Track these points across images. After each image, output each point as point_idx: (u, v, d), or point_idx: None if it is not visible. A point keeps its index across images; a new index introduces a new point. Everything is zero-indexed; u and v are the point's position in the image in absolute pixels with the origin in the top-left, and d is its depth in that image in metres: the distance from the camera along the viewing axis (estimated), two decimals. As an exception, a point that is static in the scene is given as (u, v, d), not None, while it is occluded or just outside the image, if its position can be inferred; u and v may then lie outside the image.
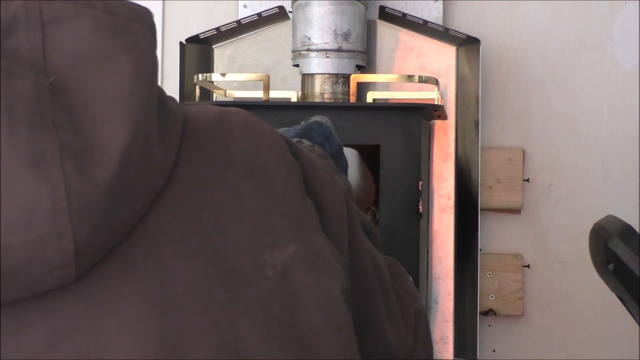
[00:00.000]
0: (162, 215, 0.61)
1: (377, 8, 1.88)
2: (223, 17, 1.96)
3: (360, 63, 1.75)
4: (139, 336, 0.57)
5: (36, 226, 0.54)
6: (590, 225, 1.45)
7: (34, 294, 0.56)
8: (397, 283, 0.85)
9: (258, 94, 1.83)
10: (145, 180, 0.59)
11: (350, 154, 1.21)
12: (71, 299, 0.57)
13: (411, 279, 0.92)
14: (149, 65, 0.61)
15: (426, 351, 0.86)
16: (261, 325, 0.61)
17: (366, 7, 1.78)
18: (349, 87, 1.72)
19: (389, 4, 1.89)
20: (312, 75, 1.74)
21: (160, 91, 0.63)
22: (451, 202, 1.89)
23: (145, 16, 0.62)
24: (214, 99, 1.86)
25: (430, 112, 1.75)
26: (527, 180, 1.99)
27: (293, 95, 1.81)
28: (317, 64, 1.73)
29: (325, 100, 1.72)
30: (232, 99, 1.86)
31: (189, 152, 0.64)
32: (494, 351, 1.99)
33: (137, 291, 0.58)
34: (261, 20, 1.89)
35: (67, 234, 0.54)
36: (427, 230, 1.86)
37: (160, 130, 0.61)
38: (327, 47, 1.72)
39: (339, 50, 1.72)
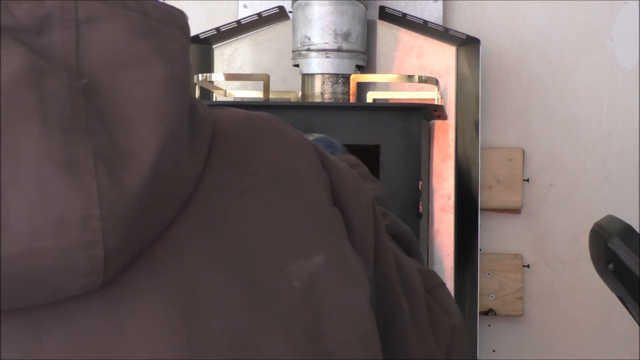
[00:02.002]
0: (188, 223, 0.60)
1: (377, 8, 1.88)
2: (223, 17, 1.96)
3: (360, 63, 1.75)
4: (161, 345, 0.56)
5: (66, 232, 0.52)
6: (590, 225, 1.44)
7: (57, 299, 0.55)
8: (433, 296, 0.83)
9: (258, 94, 1.83)
10: (174, 187, 0.58)
11: None
12: (94, 305, 0.56)
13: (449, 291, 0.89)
14: (182, 69, 0.59)
15: None
16: (285, 337, 0.59)
17: (366, 7, 1.78)
18: (349, 87, 1.72)
19: (389, 4, 1.89)
20: (312, 75, 1.74)
21: (191, 95, 0.61)
22: (451, 202, 1.89)
23: (178, 18, 0.61)
24: (214, 99, 1.86)
25: (430, 112, 1.75)
26: (527, 180, 1.99)
27: (293, 95, 1.81)
28: (317, 64, 1.73)
29: (325, 100, 1.72)
30: (232, 99, 1.86)
31: (216, 158, 0.63)
32: (494, 351, 1.99)
33: (161, 299, 0.57)
34: (261, 20, 1.89)
35: (98, 242, 0.53)
36: (427, 230, 1.86)
37: (190, 137, 0.60)
38: (327, 47, 1.72)
39: (339, 50, 1.72)
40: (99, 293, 0.55)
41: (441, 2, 1.93)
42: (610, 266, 1.35)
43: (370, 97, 1.79)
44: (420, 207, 1.64)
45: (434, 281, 0.86)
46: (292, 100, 1.80)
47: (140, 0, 0.59)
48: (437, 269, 1.88)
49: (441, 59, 1.90)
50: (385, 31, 1.91)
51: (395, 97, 1.85)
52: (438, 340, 0.80)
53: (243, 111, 0.69)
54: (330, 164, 0.70)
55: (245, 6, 1.96)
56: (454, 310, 0.85)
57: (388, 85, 1.88)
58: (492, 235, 1.99)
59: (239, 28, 1.89)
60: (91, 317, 0.55)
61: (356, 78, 1.72)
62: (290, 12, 1.85)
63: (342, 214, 0.69)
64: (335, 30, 1.72)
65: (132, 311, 0.56)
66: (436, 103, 1.74)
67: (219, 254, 0.60)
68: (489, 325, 1.99)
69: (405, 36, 1.91)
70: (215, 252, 0.60)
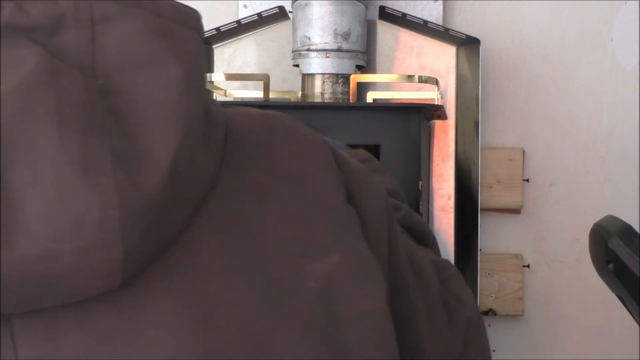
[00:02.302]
0: (203, 224, 0.59)
1: (377, 8, 1.88)
2: (223, 17, 1.96)
3: (360, 63, 1.75)
4: (176, 346, 0.56)
5: (85, 234, 0.52)
6: (590, 225, 1.44)
7: (74, 301, 0.54)
8: (447, 287, 0.82)
9: (258, 94, 1.83)
10: (190, 188, 0.58)
11: None
12: (110, 307, 0.55)
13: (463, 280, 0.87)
14: (197, 70, 0.58)
15: (481, 358, 0.82)
16: (301, 339, 0.59)
17: (366, 7, 1.78)
18: (349, 87, 1.72)
19: (389, 4, 1.89)
20: (312, 75, 1.74)
21: (205, 95, 0.61)
22: (451, 202, 1.89)
23: (193, 18, 0.60)
24: (214, 99, 1.86)
25: (430, 112, 1.75)
26: (527, 180, 1.99)
27: (293, 95, 1.81)
28: (317, 64, 1.73)
29: (325, 100, 1.72)
30: (232, 99, 1.86)
31: (231, 158, 0.62)
32: (494, 351, 1.99)
33: (176, 301, 0.56)
34: (261, 20, 1.89)
35: (117, 243, 0.53)
36: (427, 230, 1.86)
37: (204, 137, 0.59)
38: (327, 47, 1.72)
39: (339, 50, 1.72)
40: (115, 294, 0.55)
41: (441, 2, 1.93)
42: (610, 266, 1.35)
43: (370, 97, 1.79)
44: (421, 207, 1.64)
45: (447, 271, 0.86)
46: (292, 100, 1.80)
47: (156, 0, 0.58)
48: (437, 269, 1.88)
49: (441, 59, 1.90)
50: (385, 31, 1.91)
51: (395, 97, 1.85)
52: (454, 334, 0.79)
53: (256, 110, 0.68)
54: (343, 161, 0.70)
55: (245, 6, 1.96)
56: (470, 300, 0.84)
57: (388, 85, 1.88)
58: (492, 235, 1.99)
59: (239, 28, 1.89)
60: (107, 318, 0.55)
61: (356, 78, 1.72)
62: (290, 12, 1.85)
63: (356, 212, 0.68)
64: (335, 30, 1.72)
65: (148, 312, 0.56)
66: (436, 103, 1.74)
67: (234, 254, 0.59)
68: (489, 325, 1.99)
69: (405, 36, 1.91)
70: (231, 253, 0.59)
